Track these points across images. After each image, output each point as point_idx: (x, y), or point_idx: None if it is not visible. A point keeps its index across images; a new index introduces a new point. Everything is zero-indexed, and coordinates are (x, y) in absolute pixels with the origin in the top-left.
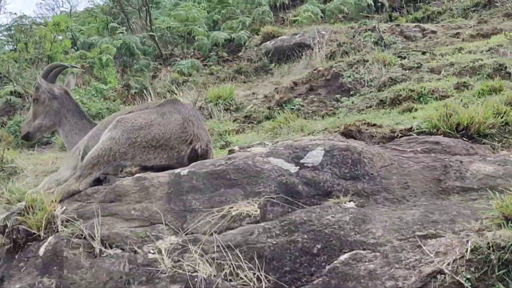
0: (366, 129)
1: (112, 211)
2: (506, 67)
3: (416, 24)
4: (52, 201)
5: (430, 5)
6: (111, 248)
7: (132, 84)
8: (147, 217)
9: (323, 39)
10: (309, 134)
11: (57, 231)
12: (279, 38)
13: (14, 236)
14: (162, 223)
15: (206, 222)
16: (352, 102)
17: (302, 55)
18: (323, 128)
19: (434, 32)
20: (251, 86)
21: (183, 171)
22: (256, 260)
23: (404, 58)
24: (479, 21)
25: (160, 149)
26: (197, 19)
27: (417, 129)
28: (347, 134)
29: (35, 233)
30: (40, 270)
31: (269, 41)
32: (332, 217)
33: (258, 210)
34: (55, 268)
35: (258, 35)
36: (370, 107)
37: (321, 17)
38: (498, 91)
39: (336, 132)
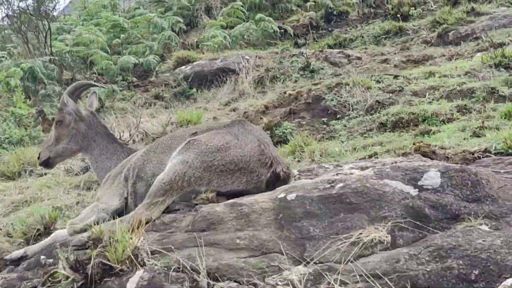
0: (440, 151)
1: (209, 240)
2: (498, 90)
3: (339, 50)
4: (133, 232)
5: (338, 32)
6: (221, 281)
7: (47, 109)
8: (257, 246)
9: (249, 64)
10: (371, 156)
11: (144, 264)
12: (196, 63)
13: (89, 272)
14: (278, 252)
15: (334, 250)
16: (344, 126)
17: (226, 80)
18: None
19: (359, 58)
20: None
21: (289, 195)
22: None
23: (379, 82)
24: (401, 47)
25: (238, 173)
26: (98, 43)
27: (494, 150)
28: (422, 155)
29: (114, 268)
30: None
31: (184, 66)
32: (483, 241)
33: (389, 235)
34: None
35: (165, 60)
36: (371, 130)
37: (229, 43)
38: None
39: (403, 153)
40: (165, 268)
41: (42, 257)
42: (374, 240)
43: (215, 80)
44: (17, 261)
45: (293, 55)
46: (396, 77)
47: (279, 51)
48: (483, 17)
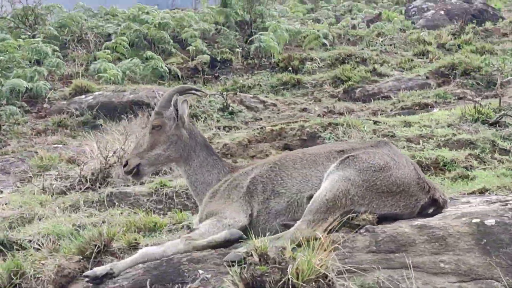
0: None
1: (404, 262)
2: (498, 144)
3: (253, 95)
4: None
5: (235, 78)
6: None
7: None
8: (465, 271)
9: None
10: (481, 192)
11: (332, 285)
12: (98, 93)
13: None
14: (491, 279)
15: None
16: None
17: (138, 113)
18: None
19: (274, 105)
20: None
21: (487, 221)
22: None
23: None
24: (313, 99)
25: (399, 195)
26: None
27: None
28: None
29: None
30: None
31: (84, 96)
32: None
33: None
34: None
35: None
36: None
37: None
38: None
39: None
40: None
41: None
42: None
43: (124, 112)
44: (100, 278)
45: (211, 94)
46: (375, 122)
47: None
48: (387, 78)
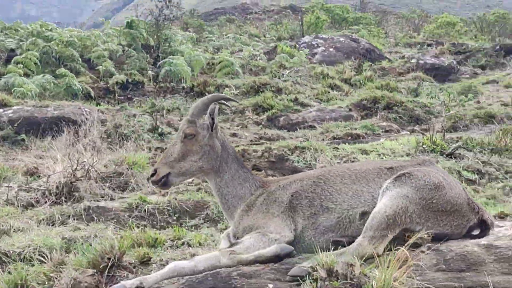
0: None
1: (479, 282)
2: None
3: (181, 118)
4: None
5: (153, 99)
6: None
7: None
8: None
9: (93, 117)
10: (501, 217)
11: None
12: (17, 107)
13: None
14: None
15: None
16: None
17: (63, 130)
18: None
19: None
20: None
21: None
22: None
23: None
24: (239, 125)
25: (453, 215)
26: None
27: None
28: None
29: None
30: None
31: (2, 109)
32: None
33: None
34: None
35: None
36: None
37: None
38: None
39: None
40: None
41: None
42: None
43: (49, 129)
44: None
45: (134, 114)
46: (335, 148)
47: (118, 108)
48: (310, 108)
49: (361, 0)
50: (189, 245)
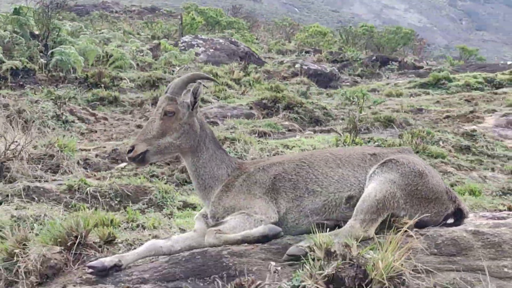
0: None
1: (470, 266)
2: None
3: (83, 107)
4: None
5: (51, 88)
6: None
7: None
8: None
9: None
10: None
11: (403, 284)
12: None
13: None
14: None
15: None
16: None
17: None
18: None
19: (105, 118)
20: None
21: None
22: None
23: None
24: (142, 117)
25: (433, 203)
26: None
27: None
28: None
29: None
30: None
31: None
32: None
33: None
34: None
35: None
36: None
37: None
38: None
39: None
40: None
41: None
42: None
43: None
44: (106, 271)
45: (36, 101)
46: (259, 141)
47: (20, 94)
48: (210, 104)
49: (233, 5)
50: (144, 228)
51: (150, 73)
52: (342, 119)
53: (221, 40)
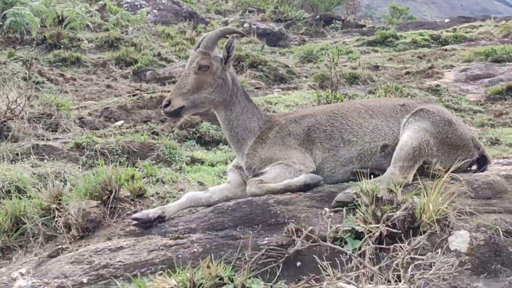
0: None
1: (505, 207)
2: None
3: (50, 68)
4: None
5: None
6: None
7: None
8: None
9: None
10: None
11: (452, 224)
12: None
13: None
14: None
15: None
16: None
17: None
18: None
19: (74, 79)
20: None
21: None
22: None
23: None
24: (109, 77)
25: (461, 150)
26: None
27: None
28: None
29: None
30: None
31: None
32: None
33: None
34: None
35: None
36: None
37: None
38: None
39: None
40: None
41: None
42: None
43: None
44: (151, 222)
45: (4, 62)
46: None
47: None
48: (174, 64)
49: None
50: (163, 182)
51: (109, 33)
52: (306, 76)
53: (163, 1)
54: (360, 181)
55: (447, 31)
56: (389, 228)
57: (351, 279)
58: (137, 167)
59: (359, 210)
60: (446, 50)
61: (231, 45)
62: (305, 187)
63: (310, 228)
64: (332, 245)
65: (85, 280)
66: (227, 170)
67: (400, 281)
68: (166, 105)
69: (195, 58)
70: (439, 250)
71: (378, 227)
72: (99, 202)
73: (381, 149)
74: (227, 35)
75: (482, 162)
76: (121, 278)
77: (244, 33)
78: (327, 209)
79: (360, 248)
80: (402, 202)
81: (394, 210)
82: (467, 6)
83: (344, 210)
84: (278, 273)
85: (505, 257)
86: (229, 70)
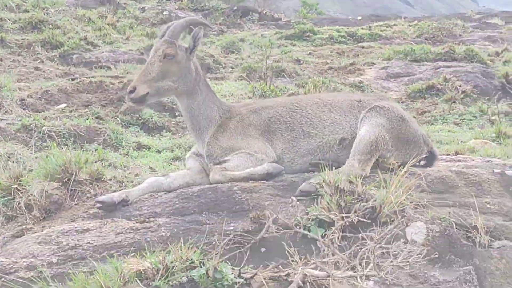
0: None
1: (459, 202)
2: None
3: None
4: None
5: None
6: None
7: None
8: (506, 212)
9: None
10: None
11: (408, 216)
12: None
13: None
14: None
15: None
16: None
17: None
18: None
19: (0, 59)
20: None
21: (508, 171)
22: None
23: None
24: (36, 59)
25: (413, 145)
26: None
27: None
28: None
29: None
30: None
31: None
32: None
33: None
34: None
35: None
36: None
37: None
38: None
39: None
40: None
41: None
42: None
43: None
44: (114, 205)
45: None
46: None
47: None
48: (101, 49)
49: None
50: (115, 167)
51: (31, 15)
52: (231, 67)
53: None
54: (321, 172)
55: (362, 28)
56: (359, 218)
57: (319, 264)
58: (85, 150)
59: (324, 200)
60: (363, 47)
61: (198, 35)
62: (268, 176)
63: (275, 216)
64: (303, 231)
65: (54, 260)
66: (186, 158)
67: (366, 268)
68: (131, 91)
69: (160, 46)
70: (400, 240)
71: (349, 216)
72: (60, 184)
73: (339, 142)
74: (191, 26)
75: (431, 158)
76: (90, 259)
77: (209, 24)
78: (294, 198)
79: (324, 236)
80: (362, 193)
81: (355, 201)
82: (370, 3)
83: (307, 199)
84: (245, 259)
85: (458, 248)
86: (193, 60)
